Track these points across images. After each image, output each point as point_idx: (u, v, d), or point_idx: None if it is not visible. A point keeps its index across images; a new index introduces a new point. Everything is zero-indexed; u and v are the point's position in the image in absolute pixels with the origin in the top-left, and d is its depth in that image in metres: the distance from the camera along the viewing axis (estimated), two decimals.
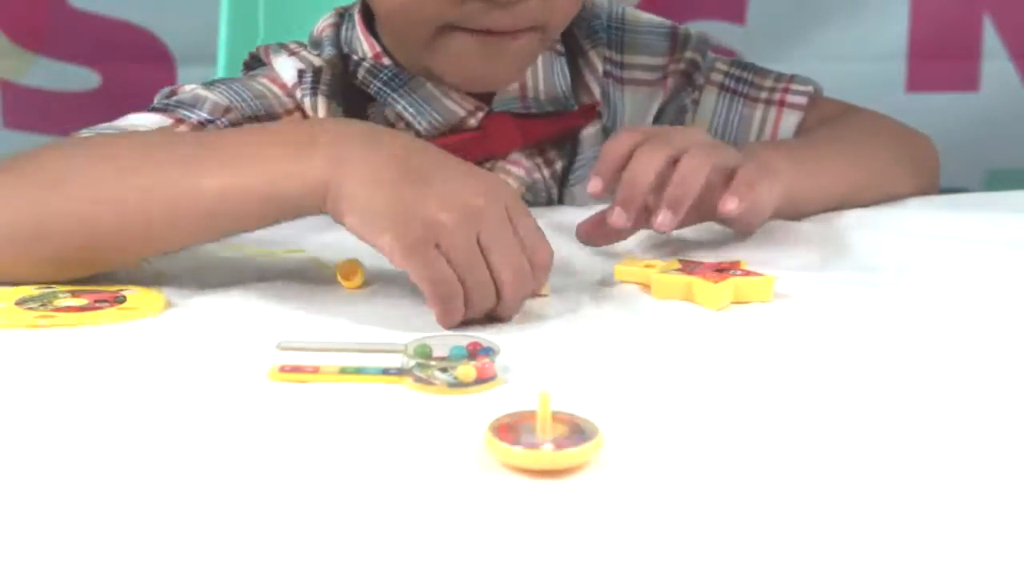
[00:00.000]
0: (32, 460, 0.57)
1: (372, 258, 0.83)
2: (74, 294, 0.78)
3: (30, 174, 0.81)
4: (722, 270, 0.80)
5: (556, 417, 0.56)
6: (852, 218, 1.01)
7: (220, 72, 1.40)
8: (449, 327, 0.73)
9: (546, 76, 1.07)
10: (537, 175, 1.08)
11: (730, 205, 0.84)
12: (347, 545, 0.49)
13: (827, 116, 1.12)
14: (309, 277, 0.84)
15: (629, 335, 0.73)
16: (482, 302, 0.73)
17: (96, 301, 0.76)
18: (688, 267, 0.81)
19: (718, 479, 0.54)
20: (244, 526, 0.50)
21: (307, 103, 1.02)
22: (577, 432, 0.56)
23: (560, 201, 1.11)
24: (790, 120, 1.11)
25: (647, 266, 0.82)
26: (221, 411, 0.62)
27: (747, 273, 0.80)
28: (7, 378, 0.67)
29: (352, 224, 0.73)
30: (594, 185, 0.85)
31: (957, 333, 0.73)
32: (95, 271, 0.81)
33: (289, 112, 1.02)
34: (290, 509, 0.52)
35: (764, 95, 1.12)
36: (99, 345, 0.71)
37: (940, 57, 1.82)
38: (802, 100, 1.12)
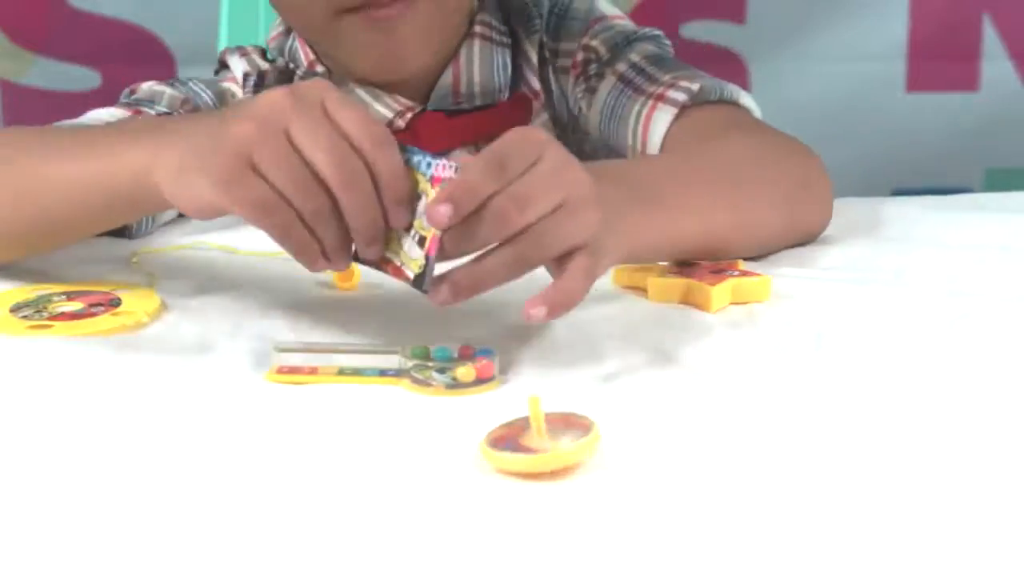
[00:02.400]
0: (32, 464, 0.57)
1: None
2: (69, 297, 0.78)
3: None
4: (719, 271, 0.80)
5: (551, 418, 0.56)
6: (849, 218, 1.01)
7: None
8: (313, 268, 0.67)
9: (483, 68, 1.04)
10: None
11: (535, 313, 0.65)
12: (344, 546, 0.49)
13: (706, 126, 0.97)
14: (304, 278, 0.84)
15: (627, 337, 0.73)
16: (317, 215, 0.65)
17: (91, 305, 0.76)
18: (685, 269, 0.80)
19: (717, 481, 0.54)
20: (241, 528, 0.50)
21: None
22: (573, 432, 0.56)
23: None
24: (661, 117, 0.98)
25: (645, 270, 0.81)
26: (219, 413, 0.62)
27: (744, 274, 0.80)
28: (4, 384, 0.67)
29: (171, 193, 0.70)
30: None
31: (956, 333, 0.73)
32: None
33: None
34: (287, 511, 0.52)
35: (651, 89, 1.00)
36: (96, 346, 0.71)
37: (940, 57, 1.82)
38: (680, 97, 0.98)
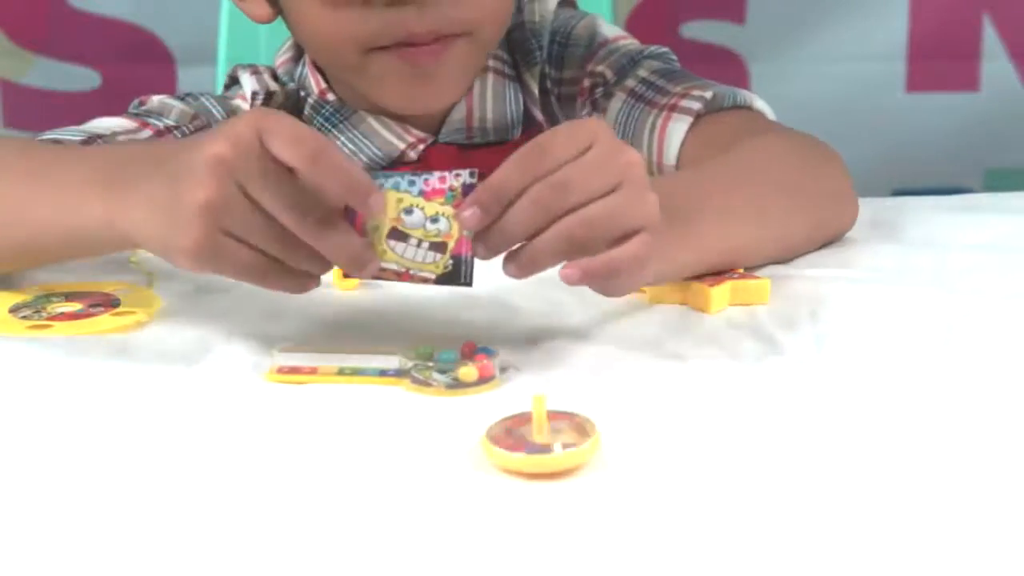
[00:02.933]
0: (31, 464, 0.57)
1: None
2: (68, 298, 0.78)
3: None
4: (719, 273, 0.79)
5: (553, 416, 0.56)
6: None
7: (220, 72, 1.40)
8: (305, 291, 0.68)
9: (496, 103, 1.03)
10: None
11: (567, 273, 0.67)
12: (344, 546, 0.49)
13: (723, 132, 0.95)
14: None
15: (627, 338, 0.73)
16: (294, 260, 0.66)
17: (90, 306, 0.76)
18: None
19: (717, 481, 0.54)
20: (241, 527, 0.50)
21: None
22: (574, 432, 0.56)
23: None
24: (677, 127, 0.98)
25: None
26: (219, 413, 0.62)
27: (744, 276, 0.80)
28: (4, 384, 0.67)
29: (172, 261, 0.68)
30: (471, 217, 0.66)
31: (956, 334, 0.73)
32: None
33: None
34: (287, 510, 0.52)
35: (663, 100, 0.99)
36: (95, 346, 0.71)
37: (940, 57, 1.82)
38: (694, 106, 0.97)
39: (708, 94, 0.98)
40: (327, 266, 0.67)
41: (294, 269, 0.66)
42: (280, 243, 0.65)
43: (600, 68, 1.05)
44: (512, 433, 0.56)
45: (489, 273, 0.82)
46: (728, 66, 1.78)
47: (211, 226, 0.64)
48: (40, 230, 0.76)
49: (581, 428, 0.56)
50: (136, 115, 0.99)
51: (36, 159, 0.81)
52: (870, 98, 1.83)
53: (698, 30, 1.79)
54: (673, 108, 0.98)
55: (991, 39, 1.82)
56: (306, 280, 0.67)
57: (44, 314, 0.75)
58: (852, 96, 1.82)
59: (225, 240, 0.64)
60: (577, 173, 0.66)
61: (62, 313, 0.75)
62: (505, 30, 1.01)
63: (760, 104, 1.00)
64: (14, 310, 0.76)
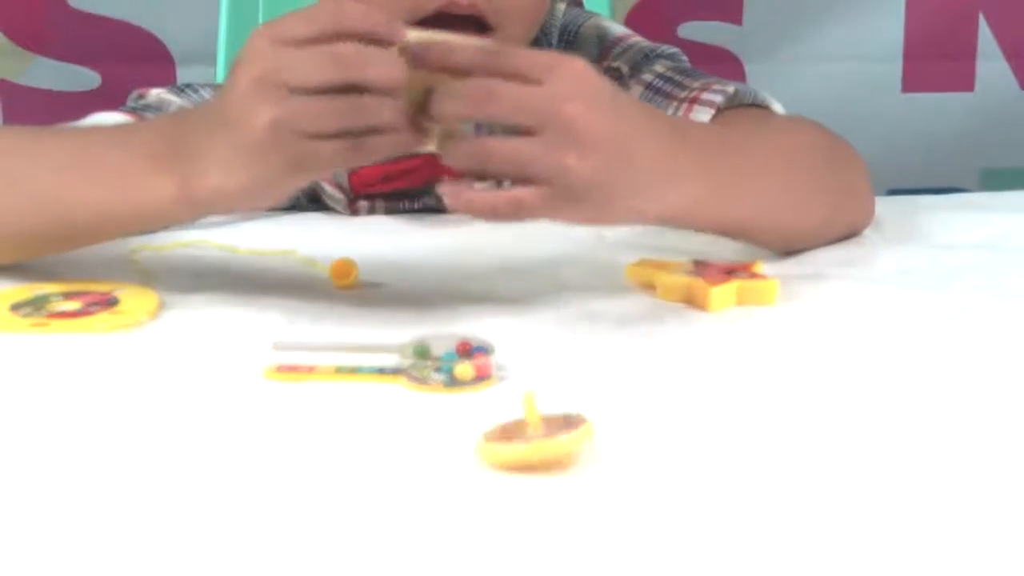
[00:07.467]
0: (29, 464, 0.57)
1: (366, 257, 0.83)
2: (66, 296, 0.78)
3: None
4: (730, 271, 0.79)
5: (549, 419, 0.56)
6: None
7: (220, 72, 1.40)
8: (404, 148, 0.70)
9: None
10: None
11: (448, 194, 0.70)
12: (342, 544, 0.49)
13: (745, 127, 0.95)
14: (303, 276, 0.84)
15: (626, 335, 0.73)
16: (363, 117, 0.67)
17: (89, 304, 0.76)
18: (699, 269, 0.80)
19: (712, 479, 0.54)
20: (239, 525, 0.51)
21: None
22: (566, 427, 0.56)
23: None
24: (698, 119, 0.96)
25: (660, 266, 0.81)
26: (217, 411, 0.63)
27: (753, 276, 0.79)
28: (2, 383, 0.67)
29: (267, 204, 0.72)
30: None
31: (953, 333, 0.73)
32: None
33: None
34: (285, 509, 0.52)
35: (682, 94, 0.99)
36: (94, 344, 0.71)
37: (936, 57, 1.82)
38: (716, 99, 0.97)
39: (730, 89, 0.98)
40: (396, 110, 0.67)
41: (377, 131, 0.67)
42: (345, 111, 0.66)
43: (616, 64, 1.05)
44: (508, 433, 0.56)
45: (488, 272, 0.83)
46: (725, 67, 1.78)
47: (285, 138, 0.66)
48: (95, 213, 0.78)
49: (573, 423, 0.56)
50: (133, 110, 0.99)
51: (78, 142, 0.83)
52: (866, 98, 1.83)
53: (695, 31, 1.79)
54: (694, 101, 0.98)
55: (987, 39, 1.82)
56: (394, 135, 0.68)
57: (43, 312, 0.75)
58: (848, 96, 1.82)
59: (304, 143, 0.66)
60: (506, 90, 0.67)
61: (61, 312, 0.75)
62: (532, 35, 1.00)
63: (777, 106, 1.00)
64: (15, 308, 0.76)
